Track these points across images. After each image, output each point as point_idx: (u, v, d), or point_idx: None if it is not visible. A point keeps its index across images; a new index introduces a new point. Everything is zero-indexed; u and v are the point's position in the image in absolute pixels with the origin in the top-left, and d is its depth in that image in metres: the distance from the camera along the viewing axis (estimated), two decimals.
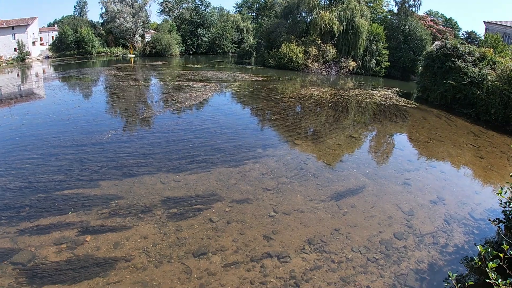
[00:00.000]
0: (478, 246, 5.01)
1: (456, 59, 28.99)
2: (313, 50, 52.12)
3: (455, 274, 4.97)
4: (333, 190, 12.25)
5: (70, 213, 10.03)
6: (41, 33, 78.42)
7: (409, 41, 52.95)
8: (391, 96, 33.57)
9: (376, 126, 22.36)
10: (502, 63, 27.85)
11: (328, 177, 13.43)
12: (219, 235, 9.15)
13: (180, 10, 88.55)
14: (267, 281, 7.59)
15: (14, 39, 64.89)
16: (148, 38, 79.27)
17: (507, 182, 9.43)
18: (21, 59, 63.50)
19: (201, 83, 35.41)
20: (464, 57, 29.11)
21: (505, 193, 7.24)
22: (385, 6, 64.73)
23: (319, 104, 27.90)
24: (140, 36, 78.06)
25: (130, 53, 74.41)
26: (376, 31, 52.56)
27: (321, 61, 52.48)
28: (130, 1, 76.18)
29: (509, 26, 51.79)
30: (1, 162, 13.82)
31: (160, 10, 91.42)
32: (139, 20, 76.19)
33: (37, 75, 49.20)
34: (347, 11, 51.12)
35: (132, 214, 10.07)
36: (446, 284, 6.22)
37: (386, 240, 9.33)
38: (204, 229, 9.43)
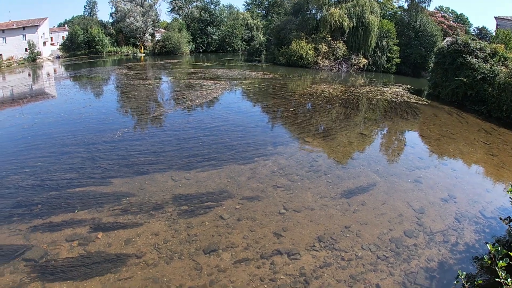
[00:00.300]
0: (488, 245, 4.99)
1: (467, 55, 28.67)
2: (323, 47, 51.84)
3: (464, 273, 4.96)
4: (343, 188, 12.22)
5: (76, 211, 10.16)
6: (51, 33, 79.26)
7: (420, 37, 52.39)
8: (402, 93, 33.29)
9: (387, 123, 22.22)
10: None
11: (338, 174, 13.40)
12: (230, 232, 9.21)
13: (190, 9, 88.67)
14: (276, 278, 7.62)
15: (25, 39, 65.75)
16: (158, 37, 79.63)
17: None
18: (32, 59, 64.28)
19: (212, 81, 35.50)
20: (475, 53, 28.78)
21: None
22: (395, 2, 64.04)
23: (330, 101, 27.80)
24: (150, 35, 78.45)
25: (141, 52, 74.84)
26: (386, 27, 52.04)
27: (332, 58, 52.19)
28: (140, 1, 76.68)
29: None
30: (13, 161, 14.03)
31: (170, 9, 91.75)
32: (149, 19, 76.61)
33: (48, 74, 49.73)
34: (357, 8, 50.72)
35: (144, 211, 10.18)
36: (455, 282, 6.16)
37: (396, 238, 9.29)
38: (214, 226, 9.50)
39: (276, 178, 12.71)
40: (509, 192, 7.22)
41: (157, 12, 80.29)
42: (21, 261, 7.99)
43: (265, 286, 7.41)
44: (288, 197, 11.31)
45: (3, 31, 65.08)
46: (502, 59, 28.25)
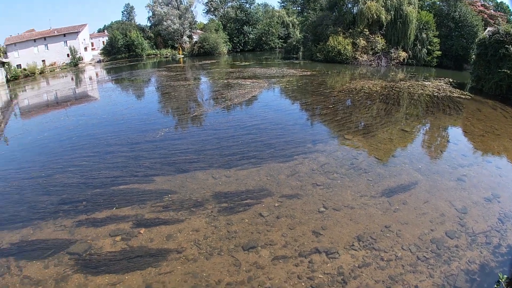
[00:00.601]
0: None
1: (510, 46, 27.19)
2: (361, 42, 50.80)
3: (505, 276, 4.81)
4: (384, 186, 11.98)
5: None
6: (92, 38, 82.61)
7: (460, 28, 49.93)
8: (444, 87, 32.02)
9: (429, 119, 21.53)
10: None
11: (379, 172, 13.15)
12: (269, 230, 9.29)
13: (225, 9, 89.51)
14: (314, 276, 7.62)
15: (66, 45, 69.09)
16: (195, 38, 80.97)
17: None
18: (74, 64, 67.39)
19: (250, 80, 35.75)
20: None
21: None
22: None
23: (370, 97, 27.29)
24: (187, 36, 79.88)
25: (179, 54, 76.40)
26: (425, 19, 50.00)
27: (370, 53, 51.01)
28: (176, 3, 78.20)
29: None
30: (59, 160, 14.87)
31: (206, 10, 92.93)
32: (185, 21, 78.00)
33: (90, 78, 51.76)
34: (394, 0, 49.46)
35: (185, 208, 10.48)
36: (496, 286, 5.92)
37: (438, 239, 9.02)
38: (254, 223, 9.62)
39: (316, 176, 12.66)
40: None
41: (193, 14, 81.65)
42: (66, 255, 8.49)
43: (303, 284, 7.44)
44: (328, 195, 11.24)
45: (44, 38, 68.77)
46: None
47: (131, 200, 11.07)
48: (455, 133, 19.55)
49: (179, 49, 77.81)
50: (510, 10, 68.47)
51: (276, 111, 22.63)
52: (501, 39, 28.27)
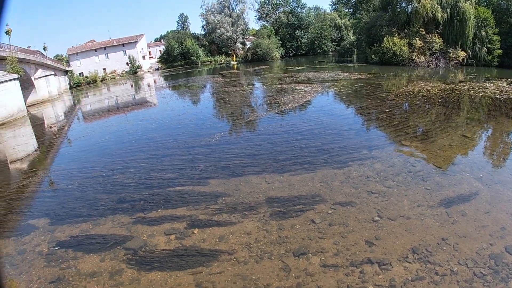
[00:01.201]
0: None
1: None
2: (418, 42, 48.70)
3: None
4: (443, 196, 11.38)
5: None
6: (149, 48, 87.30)
7: None
8: (507, 88, 29.62)
9: (491, 124, 20.28)
10: None
11: (438, 181, 12.53)
12: (320, 237, 9.19)
13: (277, 14, 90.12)
14: (365, 287, 7.41)
15: (125, 54, 73.53)
16: (248, 44, 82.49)
17: None
18: (133, 72, 71.49)
19: (303, 84, 35.71)
20: None
21: None
22: None
23: (428, 100, 26.19)
24: (240, 43, 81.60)
25: (233, 60, 78.13)
26: (483, 15, 46.60)
27: (427, 53, 48.74)
28: (228, 11, 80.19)
29: None
30: (119, 162, 15.84)
31: (258, 16, 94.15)
32: (238, 28, 79.76)
33: (148, 85, 54.24)
34: None
35: (238, 211, 10.68)
36: None
37: (497, 254, 8.37)
38: (305, 229, 9.56)
39: (371, 184, 12.33)
40: None
41: (245, 21, 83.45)
42: (122, 250, 9.00)
43: None
44: (383, 204, 10.90)
45: (105, 48, 73.96)
46: None
47: (186, 201, 11.48)
48: None
49: (232, 55, 79.47)
50: None
51: (330, 116, 22.42)
52: None
